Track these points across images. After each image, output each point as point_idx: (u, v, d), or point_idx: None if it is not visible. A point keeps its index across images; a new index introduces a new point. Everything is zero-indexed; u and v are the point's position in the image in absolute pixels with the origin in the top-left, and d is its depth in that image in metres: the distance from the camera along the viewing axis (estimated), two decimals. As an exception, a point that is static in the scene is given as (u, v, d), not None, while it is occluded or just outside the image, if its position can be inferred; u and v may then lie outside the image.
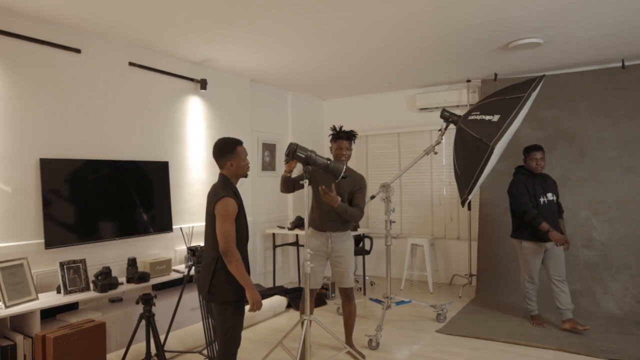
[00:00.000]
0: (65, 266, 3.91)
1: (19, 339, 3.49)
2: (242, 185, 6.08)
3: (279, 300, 5.64)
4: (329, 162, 3.51)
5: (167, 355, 4.13)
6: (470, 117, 4.49)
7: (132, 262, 4.37)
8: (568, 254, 5.66)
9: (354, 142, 4.18)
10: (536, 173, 4.82)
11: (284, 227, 6.81)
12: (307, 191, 3.41)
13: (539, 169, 4.80)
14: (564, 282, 4.76)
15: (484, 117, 4.36)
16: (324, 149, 8.21)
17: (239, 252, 2.93)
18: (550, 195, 4.79)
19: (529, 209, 4.69)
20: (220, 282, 2.97)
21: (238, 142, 3.06)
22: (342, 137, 4.07)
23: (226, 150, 3.03)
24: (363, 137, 7.83)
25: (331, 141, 4.15)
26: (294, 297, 5.86)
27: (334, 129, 4.14)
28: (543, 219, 4.64)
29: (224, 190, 2.95)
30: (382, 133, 7.63)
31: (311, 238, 4.10)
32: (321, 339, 4.71)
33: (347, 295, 4.15)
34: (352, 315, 4.20)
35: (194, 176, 5.52)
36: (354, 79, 6.70)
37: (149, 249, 4.96)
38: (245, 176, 3.13)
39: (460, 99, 6.83)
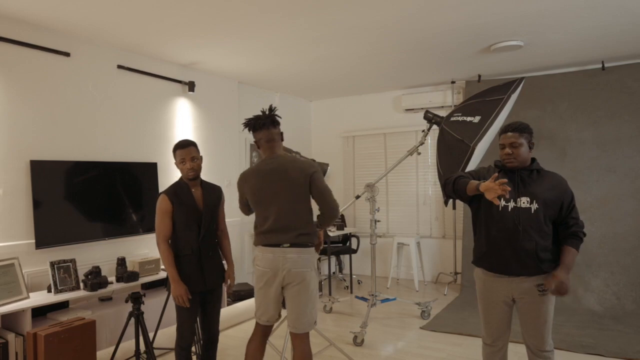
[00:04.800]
0: (55, 266, 3.97)
1: (10, 337, 3.55)
2: (229, 184, 6.17)
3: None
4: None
5: (156, 352, 4.20)
6: (452, 119, 4.60)
7: (121, 262, 4.43)
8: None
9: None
10: (508, 167, 2.83)
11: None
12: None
13: (512, 161, 2.79)
14: (547, 354, 2.79)
15: (465, 118, 4.46)
16: (311, 150, 8.31)
17: (183, 247, 3.13)
18: (525, 201, 2.75)
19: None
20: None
21: (177, 146, 3.17)
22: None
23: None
24: (350, 137, 7.94)
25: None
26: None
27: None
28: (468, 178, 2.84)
29: (166, 188, 3.18)
30: (368, 134, 7.74)
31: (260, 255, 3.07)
32: (308, 336, 4.80)
33: (297, 343, 3.00)
34: None
35: (182, 177, 5.58)
36: (341, 81, 6.80)
37: (138, 248, 5.03)
38: (189, 179, 3.18)
39: (445, 99, 6.95)
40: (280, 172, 2.96)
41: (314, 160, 3.66)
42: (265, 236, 2.96)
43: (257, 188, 3.00)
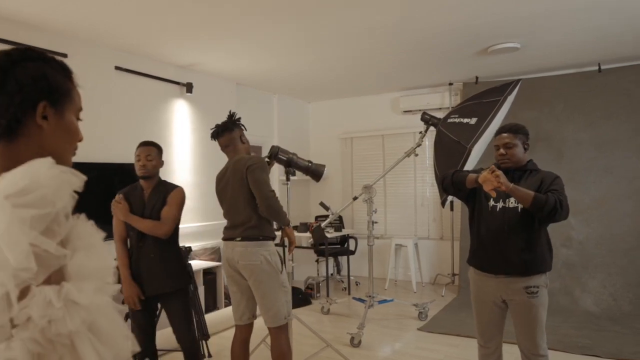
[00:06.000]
0: (52, 267, 3.97)
1: (6, 338, 3.55)
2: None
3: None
4: (310, 164, 3.62)
5: (153, 354, 4.19)
6: (449, 120, 4.61)
7: (118, 263, 4.43)
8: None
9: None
10: (502, 167, 2.79)
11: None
12: (288, 191, 3.51)
13: (506, 162, 2.82)
14: (541, 359, 2.75)
15: (462, 120, 4.48)
16: (309, 151, 8.32)
17: (131, 248, 3.18)
18: (513, 201, 2.74)
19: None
20: None
21: (139, 144, 3.19)
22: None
23: None
24: (348, 139, 7.95)
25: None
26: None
27: None
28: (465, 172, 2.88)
29: (123, 189, 3.27)
30: (366, 135, 7.75)
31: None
32: (304, 337, 4.80)
33: (271, 338, 3.15)
34: None
35: (179, 178, 5.58)
36: (339, 82, 6.81)
37: (135, 250, 5.02)
38: (140, 177, 3.17)
39: (443, 101, 6.97)
40: (229, 172, 3.15)
41: (310, 162, 3.67)
42: (224, 232, 3.20)
43: (217, 192, 3.26)
